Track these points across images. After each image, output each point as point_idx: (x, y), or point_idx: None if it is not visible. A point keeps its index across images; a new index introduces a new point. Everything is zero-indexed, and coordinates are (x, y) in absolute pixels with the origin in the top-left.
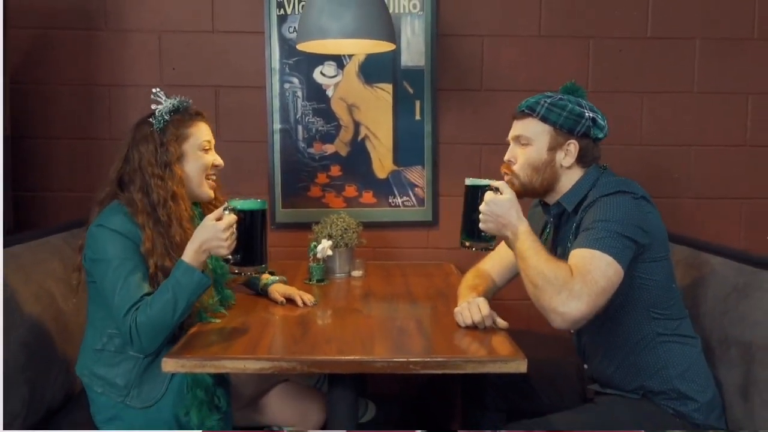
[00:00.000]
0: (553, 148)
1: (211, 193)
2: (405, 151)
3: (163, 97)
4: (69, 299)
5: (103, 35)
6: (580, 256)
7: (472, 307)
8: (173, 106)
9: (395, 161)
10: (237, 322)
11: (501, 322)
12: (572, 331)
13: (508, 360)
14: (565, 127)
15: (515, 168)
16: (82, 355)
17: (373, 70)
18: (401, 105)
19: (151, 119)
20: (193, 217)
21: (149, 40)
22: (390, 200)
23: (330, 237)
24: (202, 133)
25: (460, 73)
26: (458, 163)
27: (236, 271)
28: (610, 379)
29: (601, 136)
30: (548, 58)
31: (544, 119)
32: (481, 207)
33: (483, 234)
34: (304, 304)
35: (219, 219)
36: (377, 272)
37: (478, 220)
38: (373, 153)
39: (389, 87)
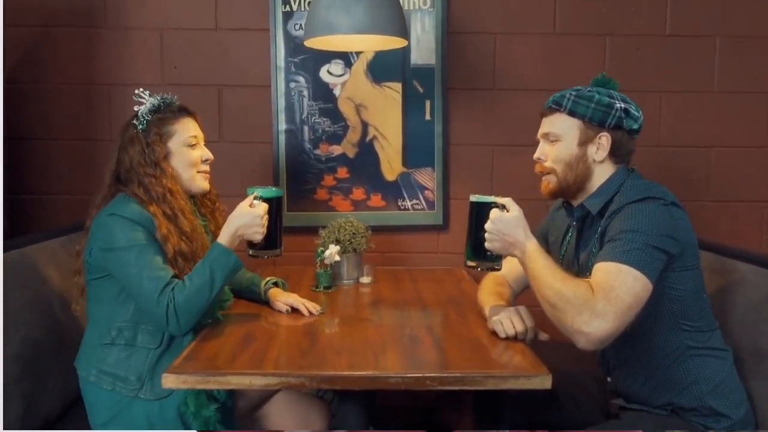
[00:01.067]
0: (583, 143)
1: (206, 185)
2: (414, 152)
3: (146, 97)
4: (66, 307)
5: (103, 33)
6: (604, 270)
7: (514, 316)
8: (153, 105)
9: (404, 163)
10: (241, 332)
11: (543, 335)
12: None
13: (532, 375)
14: (595, 119)
15: (549, 164)
16: (87, 354)
17: (382, 68)
18: (411, 105)
19: (134, 121)
20: (193, 210)
21: (150, 37)
22: (399, 203)
23: (338, 242)
24: (186, 129)
25: (472, 71)
26: (470, 165)
27: (256, 254)
28: (637, 394)
29: (635, 127)
30: (563, 56)
31: (571, 113)
32: (487, 225)
33: (489, 253)
34: (310, 313)
35: (251, 206)
36: (386, 278)
37: (483, 239)
38: (382, 154)
39: (398, 86)
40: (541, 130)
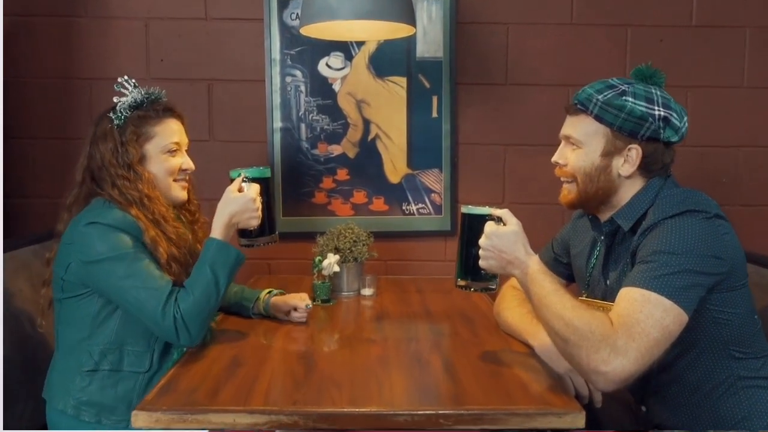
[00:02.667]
0: (608, 154)
1: (184, 195)
2: (420, 152)
3: (130, 87)
4: (36, 322)
5: (83, 22)
6: (629, 299)
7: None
8: (135, 100)
9: (409, 164)
10: (227, 357)
11: (598, 400)
12: None
13: (562, 413)
14: (625, 129)
15: (569, 170)
16: (60, 384)
17: (385, 61)
18: (416, 101)
19: (111, 114)
20: (176, 216)
21: (135, 28)
22: (404, 207)
23: (337, 251)
24: (168, 133)
25: (483, 65)
26: (480, 166)
27: (249, 242)
28: (676, 426)
29: (675, 139)
30: (581, 48)
31: (598, 119)
32: (481, 241)
33: (483, 272)
34: (307, 306)
35: (239, 190)
36: (390, 289)
37: (475, 256)
38: (385, 154)
39: (403, 81)
40: (563, 131)
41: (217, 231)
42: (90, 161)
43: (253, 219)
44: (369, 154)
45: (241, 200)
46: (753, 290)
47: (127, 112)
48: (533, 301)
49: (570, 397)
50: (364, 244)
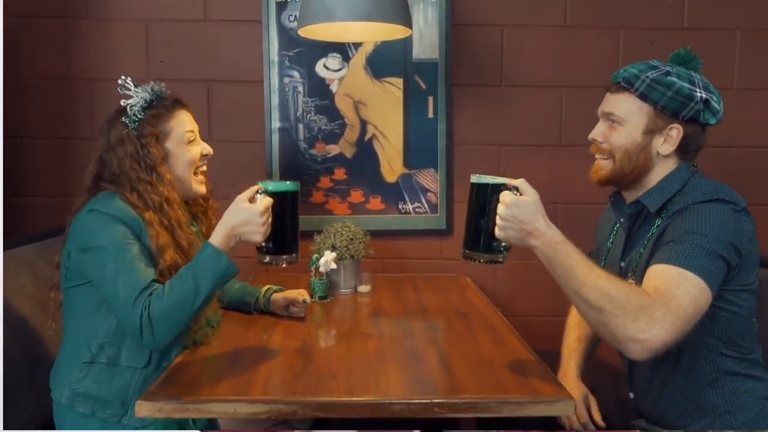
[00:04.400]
0: (650, 132)
1: (203, 189)
2: (416, 152)
3: (132, 87)
4: (39, 319)
5: (84, 24)
6: (666, 275)
7: (581, 407)
8: (145, 101)
9: (406, 164)
10: (227, 351)
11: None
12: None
13: (553, 401)
14: (669, 108)
15: (606, 147)
16: (61, 374)
17: (382, 63)
18: (413, 101)
19: (123, 118)
20: (189, 222)
21: (135, 29)
22: (400, 206)
23: (334, 248)
24: (182, 123)
25: (478, 66)
26: (475, 166)
27: (266, 260)
28: (661, 418)
29: (713, 122)
30: (574, 50)
31: (643, 97)
32: (500, 210)
33: (495, 244)
34: (304, 301)
35: (251, 200)
36: (387, 286)
37: (487, 227)
38: (382, 154)
39: (399, 82)
40: (603, 107)
41: (216, 238)
42: (102, 168)
43: (257, 234)
44: (366, 154)
45: (246, 212)
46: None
47: (140, 114)
48: (559, 272)
49: (560, 385)
50: (360, 242)
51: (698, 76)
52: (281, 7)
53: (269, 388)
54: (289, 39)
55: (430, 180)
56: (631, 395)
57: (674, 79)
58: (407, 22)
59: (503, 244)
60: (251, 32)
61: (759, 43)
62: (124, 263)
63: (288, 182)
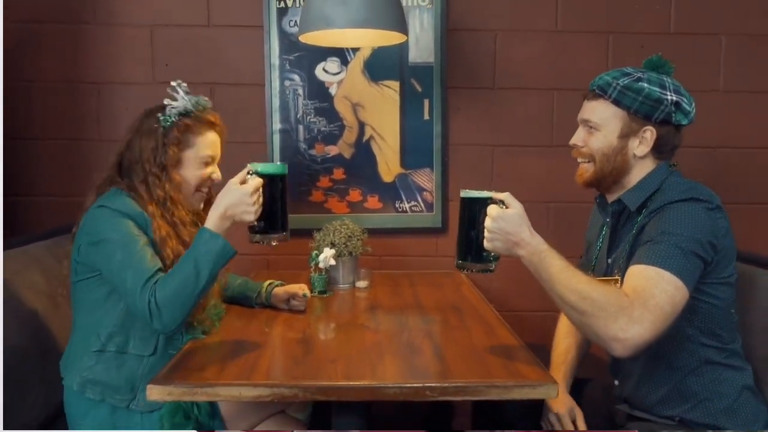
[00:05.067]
0: (625, 135)
1: (199, 207)
2: (413, 152)
3: (182, 92)
4: (50, 313)
5: (91, 29)
6: (644, 276)
7: (566, 418)
8: (185, 109)
9: (402, 164)
10: (231, 341)
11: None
12: None
13: (537, 384)
14: (641, 112)
15: (587, 151)
16: (73, 362)
17: (379, 66)
18: (409, 104)
19: (160, 114)
20: (194, 222)
21: (140, 34)
22: (397, 205)
23: (333, 245)
24: (206, 145)
25: (472, 70)
26: (469, 166)
27: (257, 239)
28: (644, 403)
29: (685, 122)
30: (565, 54)
31: (616, 102)
32: (487, 223)
33: (485, 254)
34: (304, 295)
35: (243, 182)
36: (384, 282)
37: (477, 238)
38: (379, 155)
39: (396, 85)
40: (581, 115)
41: (210, 221)
42: (127, 150)
43: (248, 214)
44: (364, 154)
45: (237, 193)
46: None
47: (175, 117)
48: (544, 278)
49: (544, 371)
50: (358, 239)
51: (669, 80)
52: (282, 12)
53: (272, 373)
54: (289, 44)
55: (426, 180)
56: (616, 382)
57: (644, 84)
58: (403, 28)
59: (492, 254)
60: (253, 37)
61: (743, 48)
62: (131, 254)
63: (277, 164)
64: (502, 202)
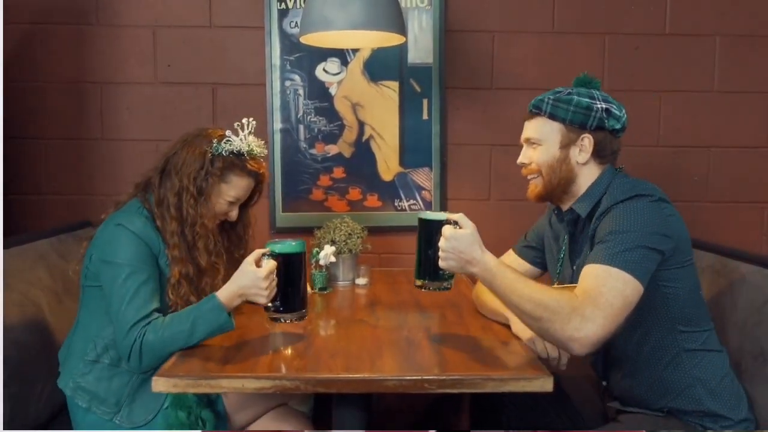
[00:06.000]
0: (566, 145)
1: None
2: (412, 152)
3: (244, 133)
4: (55, 309)
5: (94, 30)
6: (593, 275)
7: (547, 342)
8: (239, 150)
9: (401, 163)
10: (234, 335)
11: (563, 364)
12: None
13: (532, 378)
14: (576, 122)
15: (534, 167)
16: (67, 364)
17: (379, 67)
18: (408, 104)
19: (215, 140)
20: (218, 252)
21: (143, 35)
22: (396, 204)
23: (333, 242)
24: (241, 187)
25: (470, 70)
26: (467, 165)
27: (275, 317)
28: (633, 397)
29: (618, 126)
30: (562, 54)
31: (552, 117)
32: (441, 243)
33: (441, 272)
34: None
35: (257, 263)
36: (383, 279)
37: (434, 258)
38: (379, 154)
39: (395, 85)
40: (524, 135)
41: (223, 292)
42: (174, 156)
43: (260, 297)
44: (363, 153)
45: (251, 276)
46: (713, 277)
47: (226, 152)
48: (499, 291)
49: (539, 364)
50: (358, 237)
51: (598, 92)
52: (283, 14)
53: (274, 367)
54: (290, 44)
55: (425, 178)
56: (605, 383)
57: (574, 96)
58: (401, 30)
59: (447, 272)
60: (254, 38)
61: (737, 49)
62: (132, 287)
63: (293, 242)
64: (456, 223)
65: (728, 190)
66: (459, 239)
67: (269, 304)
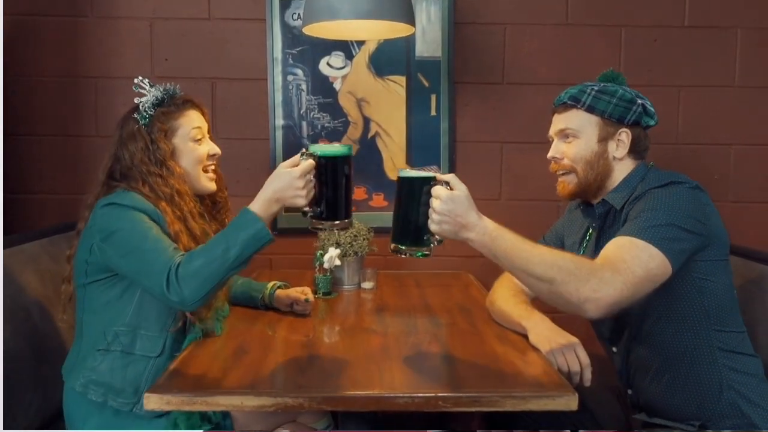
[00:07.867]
0: (603, 139)
1: (212, 186)
2: (419, 149)
3: (147, 86)
4: (45, 315)
5: (89, 22)
6: (617, 245)
7: (569, 354)
8: (156, 98)
9: (409, 161)
10: (233, 345)
11: (588, 379)
12: (615, 349)
13: (556, 395)
14: (615, 115)
15: (567, 163)
16: (77, 363)
17: (385, 61)
18: (415, 99)
19: (135, 114)
20: (202, 213)
21: (140, 28)
22: None
23: (338, 245)
24: (190, 121)
25: (480, 64)
26: (477, 163)
27: (319, 226)
28: (661, 405)
29: (652, 123)
30: (576, 48)
31: (590, 109)
32: (435, 205)
33: (426, 237)
34: (307, 300)
35: (295, 166)
36: (390, 283)
37: (417, 221)
38: (385, 152)
39: (402, 80)
40: (555, 127)
41: (255, 203)
42: (116, 163)
43: (298, 198)
44: (369, 151)
45: (285, 176)
46: (739, 280)
47: (151, 111)
48: (500, 256)
49: (562, 380)
50: (364, 239)
51: (627, 89)
52: (285, 5)
53: (275, 382)
54: (292, 37)
55: None
56: (630, 392)
57: (617, 88)
58: (410, 20)
59: (435, 237)
60: (255, 30)
61: (759, 42)
62: (146, 237)
63: (338, 145)
64: (447, 184)
65: (751, 190)
66: (456, 201)
67: (309, 210)
